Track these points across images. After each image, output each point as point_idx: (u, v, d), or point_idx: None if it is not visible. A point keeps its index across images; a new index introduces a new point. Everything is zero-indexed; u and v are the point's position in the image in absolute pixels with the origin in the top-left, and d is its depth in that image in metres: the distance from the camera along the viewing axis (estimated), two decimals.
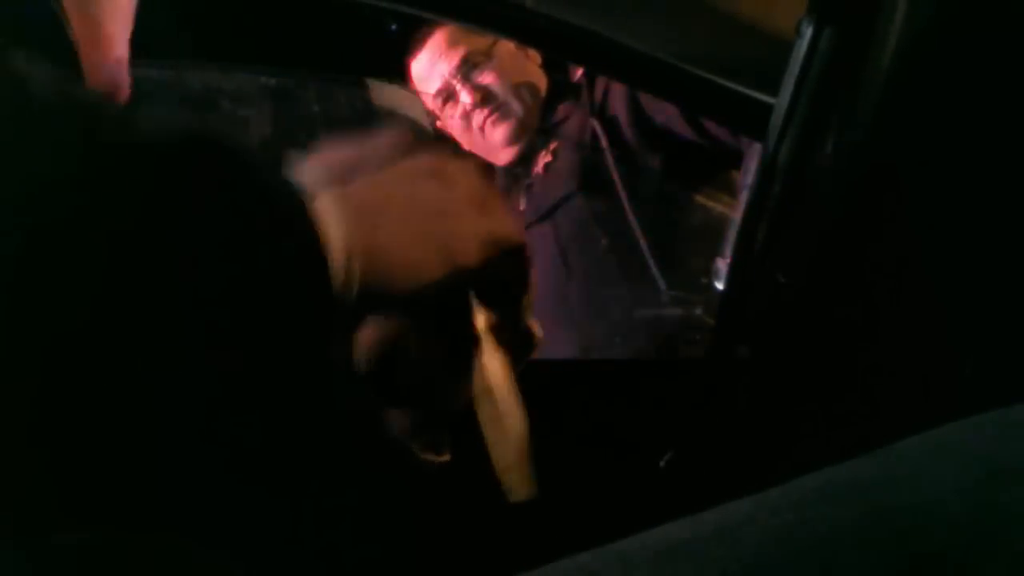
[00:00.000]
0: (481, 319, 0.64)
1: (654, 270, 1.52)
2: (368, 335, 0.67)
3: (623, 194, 1.58)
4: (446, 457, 0.70)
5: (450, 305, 0.62)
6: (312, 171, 0.50)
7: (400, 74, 1.69)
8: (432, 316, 0.64)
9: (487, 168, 1.71)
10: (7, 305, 0.35)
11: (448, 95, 1.66)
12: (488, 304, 0.63)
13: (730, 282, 0.85)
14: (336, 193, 0.47)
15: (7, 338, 0.35)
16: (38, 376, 0.36)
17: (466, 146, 1.68)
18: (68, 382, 0.37)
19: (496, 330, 0.64)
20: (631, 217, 1.57)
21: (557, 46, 0.93)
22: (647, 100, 1.62)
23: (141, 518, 0.44)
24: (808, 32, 0.73)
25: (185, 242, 0.39)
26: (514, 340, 0.65)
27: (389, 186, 0.51)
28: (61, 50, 0.56)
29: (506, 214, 0.57)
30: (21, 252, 0.35)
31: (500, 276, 0.56)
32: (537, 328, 0.67)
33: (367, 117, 1.75)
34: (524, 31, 0.90)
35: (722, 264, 1.36)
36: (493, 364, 0.63)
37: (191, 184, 0.40)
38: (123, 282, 0.37)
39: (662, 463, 0.88)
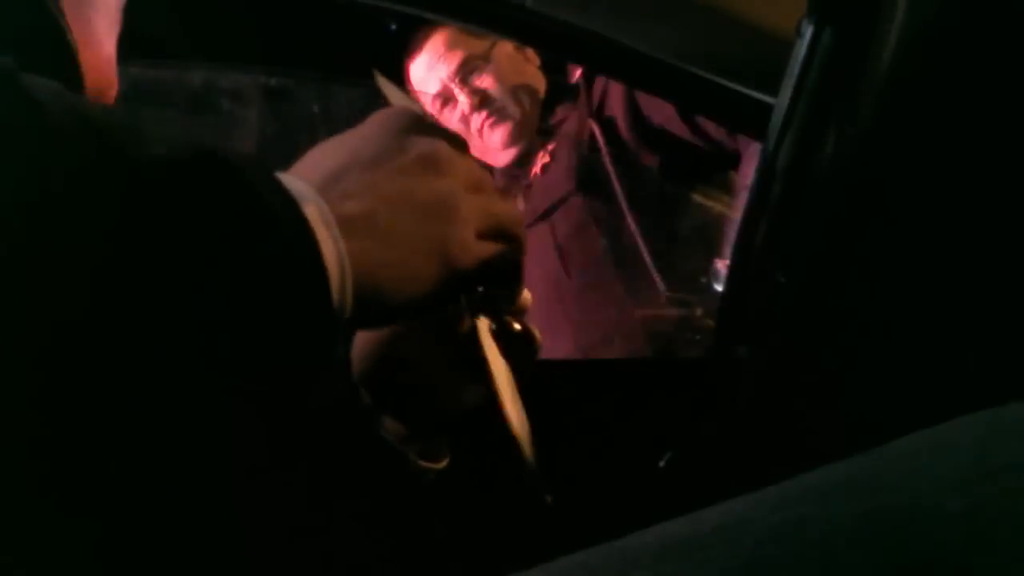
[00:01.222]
0: (483, 322, 0.63)
1: (652, 270, 1.52)
2: (364, 341, 0.67)
3: (621, 194, 1.59)
4: (443, 464, 0.69)
5: (449, 308, 0.62)
6: (304, 172, 0.49)
7: (399, 74, 1.70)
8: (430, 322, 0.63)
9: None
10: (26, 328, 0.36)
11: (446, 98, 1.67)
12: (486, 299, 0.63)
13: (730, 282, 0.85)
14: (328, 200, 0.46)
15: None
16: (45, 384, 0.37)
17: None
18: (74, 390, 0.37)
19: (495, 330, 0.64)
20: (629, 217, 1.57)
21: (557, 46, 0.93)
22: (645, 101, 1.62)
23: (141, 534, 0.44)
24: (808, 32, 0.73)
25: (187, 261, 0.39)
26: (515, 341, 0.65)
27: (380, 186, 0.49)
28: (62, 53, 0.56)
29: (501, 195, 0.56)
30: (36, 274, 0.36)
31: (498, 267, 0.55)
32: (536, 330, 0.67)
33: (367, 117, 1.75)
34: (524, 31, 0.90)
35: (720, 265, 1.36)
36: (498, 366, 0.63)
37: (196, 203, 0.40)
38: (124, 299, 0.37)
39: (662, 463, 0.88)
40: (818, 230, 0.76)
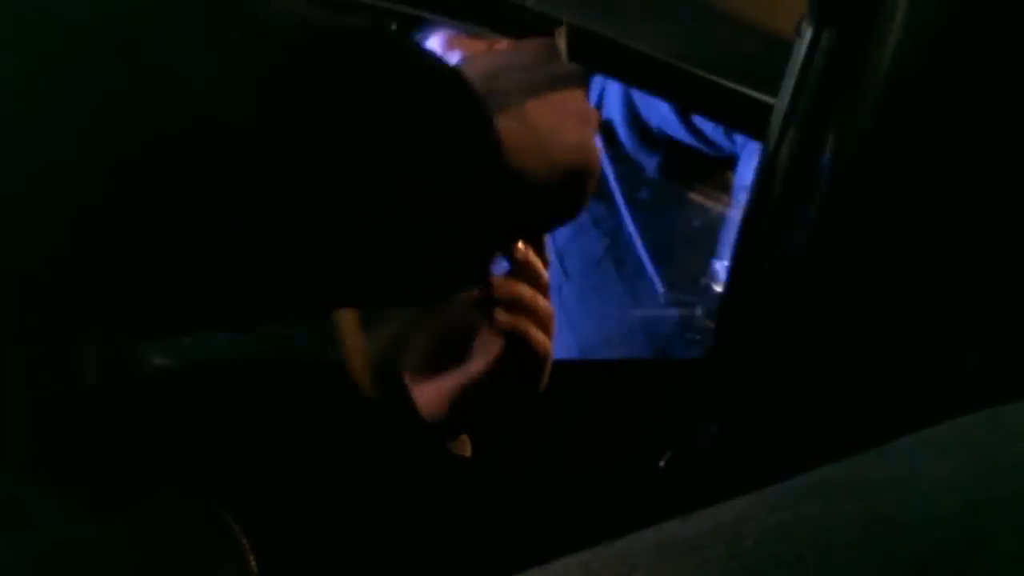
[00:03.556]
0: None
1: (651, 271, 1.52)
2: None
3: (619, 195, 1.59)
4: (467, 452, 0.70)
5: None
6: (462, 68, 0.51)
7: None
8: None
9: None
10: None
11: None
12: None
13: (730, 282, 0.85)
14: (484, 90, 0.48)
15: None
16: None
17: None
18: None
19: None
20: (627, 218, 1.57)
21: None
22: (642, 103, 1.63)
23: None
24: (808, 32, 0.73)
25: (371, 116, 0.40)
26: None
27: (533, 86, 0.52)
28: None
29: None
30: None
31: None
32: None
33: None
34: (524, 31, 0.90)
35: (719, 266, 1.36)
36: None
37: (376, 72, 0.42)
38: (311, 157, 0.38)
39: (662, 463, 0.88)
40: (818, 230, 0.77)
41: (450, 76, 0.45)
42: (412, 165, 0.42)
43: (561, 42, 0.64)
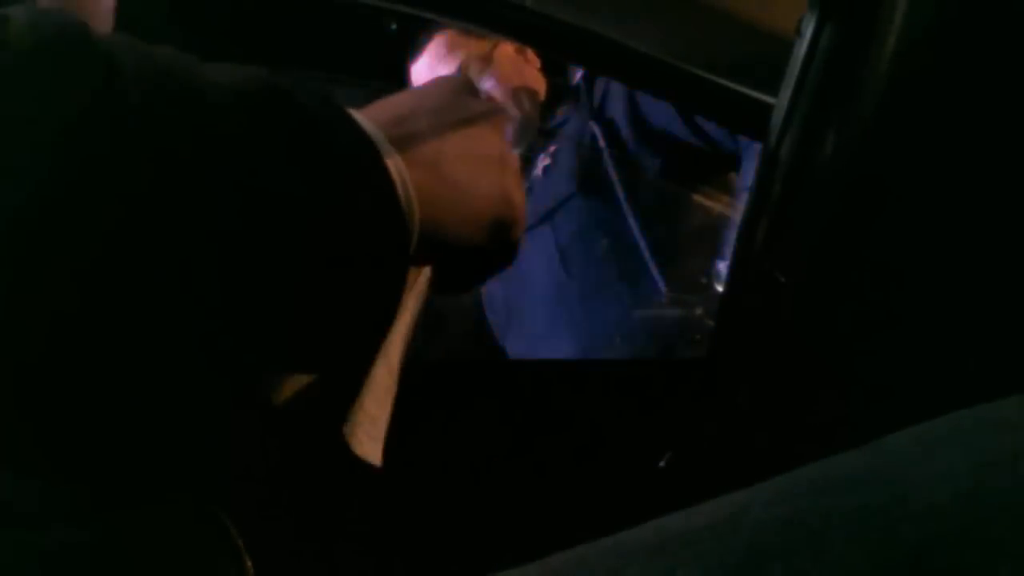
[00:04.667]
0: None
1: (653, 271, 1.53)
2: None
3: (622, 196, 1.59)
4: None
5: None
6: (367, 115, 0.48)
7: (400, 75, 1.70)
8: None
9: None
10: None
11: None
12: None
13: (730, 282, 0.85)
14: (393, 139, 0.46)
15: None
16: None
17: None
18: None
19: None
20: (630, 218, 1.57)
21: (557, 46, 0.93)
22: (645, 102, 1.63)
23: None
24: (808, 31, 0.73)
25: (261, 191, 0.39)
26: None
27: (444, 132, 0.50)
28: None
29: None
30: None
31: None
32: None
33: None
34: (524, 31, 0.90)
35: (722, 266, 1.36)
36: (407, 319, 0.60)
37: (262, 133, 0.40)
38: (202, 229, 0.37)
39: (662, 463, 0.88)
40: (818, 230, 0.77)
41: (348, 134, 0.43)
42: (307, 228, 0.40)
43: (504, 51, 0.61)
